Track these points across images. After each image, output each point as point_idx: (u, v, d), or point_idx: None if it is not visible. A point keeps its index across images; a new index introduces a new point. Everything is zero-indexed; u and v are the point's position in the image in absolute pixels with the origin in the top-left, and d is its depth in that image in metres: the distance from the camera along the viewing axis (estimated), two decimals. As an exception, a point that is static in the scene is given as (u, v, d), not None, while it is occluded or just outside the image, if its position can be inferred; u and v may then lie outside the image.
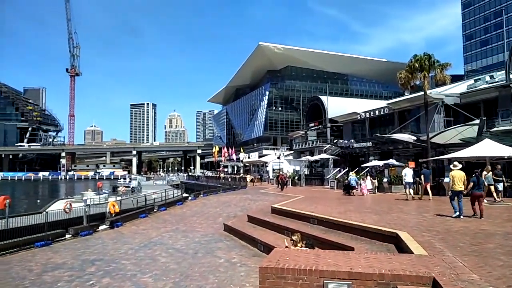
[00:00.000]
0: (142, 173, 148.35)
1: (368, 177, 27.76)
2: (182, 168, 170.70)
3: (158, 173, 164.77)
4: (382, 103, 47.06)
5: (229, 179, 55.25)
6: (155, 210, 23.69)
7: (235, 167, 76.18)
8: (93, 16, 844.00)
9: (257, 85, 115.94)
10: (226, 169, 79.83)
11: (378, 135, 35.89)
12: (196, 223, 18.54)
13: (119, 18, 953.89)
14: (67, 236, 16.14)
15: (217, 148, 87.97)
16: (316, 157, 46.52)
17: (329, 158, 41.35)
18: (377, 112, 43.81)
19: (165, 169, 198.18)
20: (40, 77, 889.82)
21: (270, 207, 16.97)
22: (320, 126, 60.98)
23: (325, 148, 48.61)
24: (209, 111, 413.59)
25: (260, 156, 71.22)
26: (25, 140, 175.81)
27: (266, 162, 60.33)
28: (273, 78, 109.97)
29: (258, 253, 11.60)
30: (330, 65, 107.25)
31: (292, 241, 8.40)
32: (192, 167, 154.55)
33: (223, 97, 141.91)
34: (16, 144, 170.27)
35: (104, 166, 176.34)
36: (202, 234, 15.32)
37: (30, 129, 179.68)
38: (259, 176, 56.16)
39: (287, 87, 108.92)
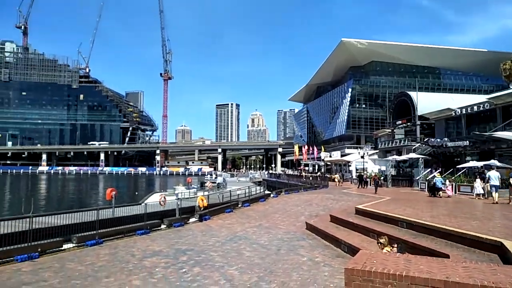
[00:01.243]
0: (226, 170, 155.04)
1: (478, 179, 24.91)
2: (264, 165, 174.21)
3: (241, 170, 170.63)
4: (481, 98, 42.24)
5: (310, 178, 54.83)
6: (239, 205, 24.61)
7: (316, 166, 75.31)
8: (182, 24, 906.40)
9: (339, 82, 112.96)
10: (307, 168, 79.39)
11: (477, 133, 32.48)
12: (279, 220, 18.83)
13: (205, 24, 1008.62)
14: (162, 226, 17.63)
15: (298, 147, 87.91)
16: (404, 157, 43.75)
17: (418, 158, 38.54)
18: (475, 107, 39.51)
19: (247, 166, 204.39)
20: (139, 82, 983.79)
21: (354, 208, 16.48)
22: (408, 123, 57.21)
23: (414, 147, 45.46)
24: (290, 109, 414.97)
25: (342, 155, 69.36)
26: (127, 139, 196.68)
27: (348, 162, 58.54)
28: (356, 74, 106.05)
29: (342, 254, 11.39)
30: (419, 59, 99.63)
31: (379, 244, 8.09)
32: (273, 165, 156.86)
33: (304, 95, 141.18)
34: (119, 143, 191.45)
35: (193, 162, 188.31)
36: (284, 231, 15.53)
37: (130, 129, 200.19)
38: (341, 176, 54.75)
39: (372, 83, 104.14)
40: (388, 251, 7.54)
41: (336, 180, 46.92)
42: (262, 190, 34.69)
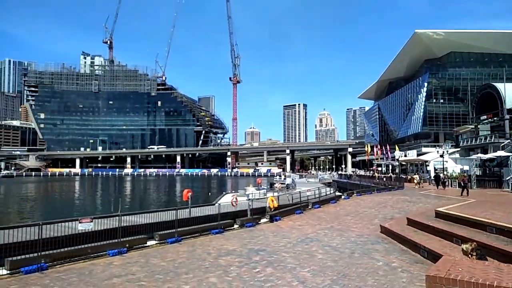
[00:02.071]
0: (295, 171, 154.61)
1: None
2: (333, 166, 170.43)
3: (310, 171, 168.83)
4: None
5: (384, 179, 52.36)
6: (309, 207, 24.42)
7: (390, 166, 71.61)
8: (248, 28, 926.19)
9: (413, 76, 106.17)
10: (379, 168, 75.90)
11: None
12: (351, 222, 18.32)
13: (269, 25, 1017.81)
14: (235, 226, 18.22)
15: (369, 146, 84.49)
16: (491, 155, 39.71)
17: (508, 156, 34.69)
18: None
19: (316, 167, 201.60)
20: (210, 86, 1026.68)
21: (434, 210, 15.40)
22: (495, 118, 51.85)
23: (502, 144, 41.02)
24: (360, 108, 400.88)
25: (418, 154, 65.06)
26: (200, 142, 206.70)
27: (426, 161, 54.75)
28: (432, 67, 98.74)
29: (421, 259, 10.74)
30: (506, 46, 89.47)
31: (463, 250, 7.49)
32: (343, 166, 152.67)
33: (375, 92, 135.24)
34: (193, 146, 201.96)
35: (262, 164, 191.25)
36: (357, 234, 15.08)
37: (203, 132, 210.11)
38: (421, 176, 51.39)
39: (450, 76, 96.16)
40: (468, 258, 6.96)
41: (415, 181, 44.02)
42: (332, 192, 34.00)
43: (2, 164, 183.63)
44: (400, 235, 13.25)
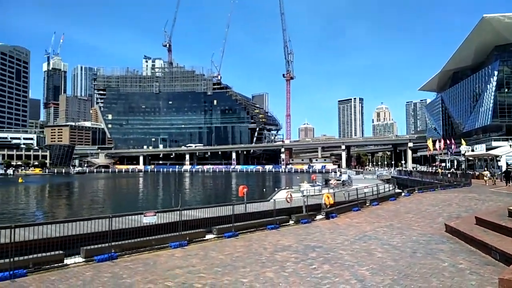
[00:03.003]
0: (351, 167, 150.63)
1: None
2: (392, 162, 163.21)
3: (367, 167, 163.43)
4: None
5: (448, 175, 49.06)
6: (367, 204, 23.69)
7: (455, 162, 66.93)
8: (301, 23, 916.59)
9: (481, 65, 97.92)
10: (443, 164, 71.26)
11: None
12: (412, 220, 17.48)
13: (325, 21, 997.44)
14: (290, 222, 18.24)
15: (432, 141, 79.58)
16: None
17: None
18: None
19: (374, 163, 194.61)
20: (263, 84, 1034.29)
21: (507, 209, 14.16)
22: None
23: None
24: (421, 100, 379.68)
25: (488, 149, 60.06)
26: (254, 139, 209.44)
27: (497, 156, 50.39)
28: (504, 55, 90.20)
29: (493, 261, 9.95)
30: None
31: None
32: (402, 162, 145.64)
33: (437, 83, 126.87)
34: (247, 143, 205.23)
35: (316, 160, 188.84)
36: (419, 233, 14.35)
37: (257, 129, 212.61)
38: (492, 172, 47.44)
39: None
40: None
41: (485, 177, 40.67)
42: (391, 188, 32.61)
43: (76, 162, 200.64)
44: (468, 235, 12.39)
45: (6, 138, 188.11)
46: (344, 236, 14.14)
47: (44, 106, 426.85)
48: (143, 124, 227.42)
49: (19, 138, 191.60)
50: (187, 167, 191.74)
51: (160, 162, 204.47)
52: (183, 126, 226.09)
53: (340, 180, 53.01)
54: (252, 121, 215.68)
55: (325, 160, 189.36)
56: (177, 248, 12.65)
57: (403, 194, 29.62)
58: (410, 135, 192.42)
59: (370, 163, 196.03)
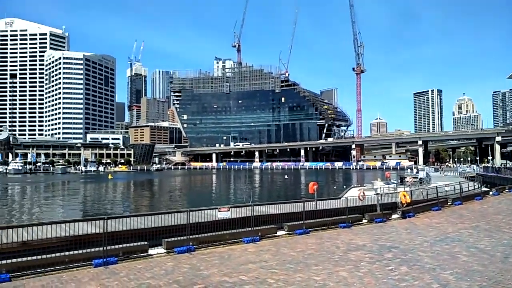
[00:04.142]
0: (429, 164, 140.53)
1: None
2: (477, 158, 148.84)
3: (447, 163, 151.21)
4: None
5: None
6: (448, 203, 22.04)
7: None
8: (374, 15, 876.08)
9: None
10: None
11: None
12: (503, 222, 15.83)
13: (397, 10, 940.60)
14: (363, 221, 17.66)
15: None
16: None
17: None
18: None
19: (455, 159, 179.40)
20: (332, 79, 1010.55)
21: None
22: None
23: None
24: (510, 89, 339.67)
25: None
26: (323, 135, 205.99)
27: None
28: None
29: None
30: None
31: None
32: (489, 157, 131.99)
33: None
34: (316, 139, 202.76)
35: (390, 156, 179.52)
36: (512, 237, 12.95)
37: (326, 125, 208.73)
38: None
39: None
40: None
41: None
42: (477, 187, 29.82)
43: (156, 159, 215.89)
44: None
45: (97, 138, 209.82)
46: (423, 237, 13.31)
47: (128, 108, 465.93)
48: (215, 123, 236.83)
49: (108, 138, 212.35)
50: (256, 164, 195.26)
51: (231, 159, 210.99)
52: (252, 124, 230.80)
53: (417, 177, 50.00)
54: (321, 117, 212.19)
55: (399, 156, 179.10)
56: (249, 243, 13.01)
57: (491, 193, 27.00)
58: (498, 128, 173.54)
59: (451, 159, 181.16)
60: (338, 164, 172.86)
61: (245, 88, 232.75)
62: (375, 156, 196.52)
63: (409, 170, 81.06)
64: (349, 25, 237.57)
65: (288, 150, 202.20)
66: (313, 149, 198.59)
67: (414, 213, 18.71)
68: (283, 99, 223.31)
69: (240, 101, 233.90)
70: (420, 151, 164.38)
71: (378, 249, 11.68)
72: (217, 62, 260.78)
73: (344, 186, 50.80)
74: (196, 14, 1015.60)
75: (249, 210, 15.21)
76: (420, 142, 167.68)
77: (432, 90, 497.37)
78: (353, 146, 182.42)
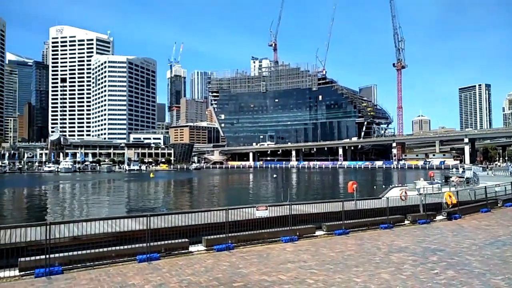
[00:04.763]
0: (476, 163, 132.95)
1: None
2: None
3: (496, 162, 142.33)
4: None
5: None
6: (499, 204, 20.81)
7: None
8: (415, 6, 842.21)
9: None
10: None
11: None
12: (562, 227, 14.68)
13: (440, 2, 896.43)
14: (406, 222, 17.07)
15: None
16: None
17: None
18: None
19: (505, 158, 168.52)
20: (371, 75, 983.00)
21: None
22: None
23: None
24: None
25: None
26: (362, 134, 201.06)
27: None
28: None
29: None
30: None
31: None
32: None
33: None
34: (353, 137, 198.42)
35: (433, 155, 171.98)
36: None
37: (365, 123, 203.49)
38: None
39: None
40: None
41: None
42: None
43: (195, 158, 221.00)
44: None
45: (139, 138, 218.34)
46: (471, 240, 12.64)
47: (168, 109, 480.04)
48: (252, 122, 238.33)
49: (149, 138, 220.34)
50: (293, 163, 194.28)
51: (268, 158, 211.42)
52: (289, 122, 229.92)
53: (463, 177, 47.44)
54: (360, 115, 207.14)
55: (444, 155, 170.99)
56: (288, 243, 12.99)
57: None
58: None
59: (501, 158, 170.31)
60: (378, 163, 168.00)
61: (281, 87, 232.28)
62: (417, 155, 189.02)
63: (454, 170, 77.18)
64: (389, 19, 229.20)
65: (326, 149, 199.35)
66: (352, 147, 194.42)
67: (461, 214, 17.82)
68: (320, 97, 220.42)
69: (276, 100, 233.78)
70: (467, 149, 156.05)
71: (422, 251, 11.25)
72: (254, 62, 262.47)
73: (384, 186, 49.28)
74: (233, 15, 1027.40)
75: (287, 209, 15.17)
76: (466, 140, 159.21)
77: (480, 85, 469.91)
78: (394, 144, 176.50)
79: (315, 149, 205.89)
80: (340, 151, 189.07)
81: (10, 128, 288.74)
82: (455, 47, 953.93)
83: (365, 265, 9.87)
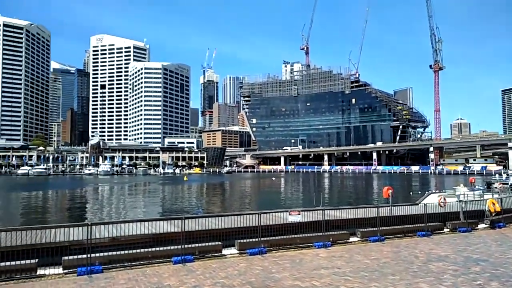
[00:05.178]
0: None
1: None
2: None
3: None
4: None
5: None
6: (549, 214, 19.41)
7: None
8: (453, 6, 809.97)
9: None
10: None
11: None
12: None
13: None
14: (445, 230, 16.38)
15: None
16: None
17: None
18: None
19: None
20: (406, 78, 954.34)
21: None
22: None
23: None
24: None
25: None
26: (397, 138, 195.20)
27: None
28: None
29: None
30: None
31: None
32: None
33: None
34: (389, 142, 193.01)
35: (474, 160, 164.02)
36: None
37: (401, 127, 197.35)
38: None
39: None
40: None
41: None
42: None
43: (227, 162, 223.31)
44: None
45: (174, 142, 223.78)
46: (518, 251, 11.93)
47: (201, 114, 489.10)
48: (283, 126, 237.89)
49: (183, 142, 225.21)
50: (325, 167, 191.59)
51: (300, 162, 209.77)
52: (320, 126, 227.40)
53: (507, 183, 45.02)
54: (395, 118, 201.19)
55: (485, 160, 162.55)
56: (321, 248, 12.83)
57: None
58: None
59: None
60: (414, 168, 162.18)
61: (313, 91, 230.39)
62: (456, 160, 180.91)
63: (497, 175, 73.19)
64: (425, 19, 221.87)
65: (359, 153, 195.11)
66: (386, 152, 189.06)
67: (505, 223, 16.88)
68: (353, 100, 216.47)
69: (308, 104, 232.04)
70: (511, 154, 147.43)
71: (463, 261, 10.75)
72: (285, 66, 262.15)
73: (420, 192, 47.55)
74: (264, 20, 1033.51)
75: (319, 214, 14.99)
76: (510, 144, 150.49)
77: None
78: (431, 149, 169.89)
79: (348, 154, 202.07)
80: (374, 155, 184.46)
81: (54, 133, 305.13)
82: (498, 46, 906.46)
83: (402, 273, 9.57)
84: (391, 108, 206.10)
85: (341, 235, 14.16)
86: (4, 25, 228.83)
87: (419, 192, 48.08)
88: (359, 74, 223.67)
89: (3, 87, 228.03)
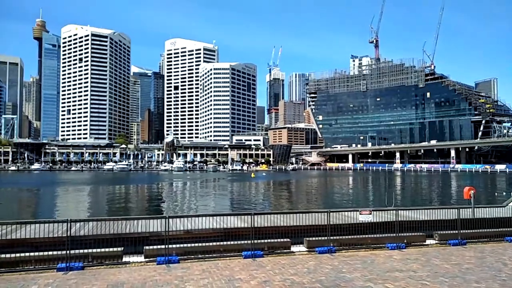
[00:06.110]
0: None
1: None
2: None
3: None
4: None
5: None
6: None
7: None
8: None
9: None
10: None
11: None
12: None
13: None
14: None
15: None
16: None
17: None
18: None
19: None
20: (490, 68, 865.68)
21: None
22: None
23: None
24: None
25: None
26: (479, 133, 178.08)
27: None
28: None
29: None
30: None
31: None
32: None
33: None
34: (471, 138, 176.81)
35: None
36: None
37: (483, 122, 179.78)
38: None
39: None
40: None
41: None
42: None
43: (293, 159, 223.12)
44: None
45: (241, 140, 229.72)
46: None
47: (268, 111, 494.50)
48: (351, 123, 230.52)
49: (250, 140, 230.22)
50: (397, 165, 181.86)
51: (369, 160, 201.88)
52: (392, 122, 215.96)
53: None
54: (476, 112, 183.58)
55: None
56: (394, 250, 12.28)
57: None
58: None
59: None
60: (500, 167, 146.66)
61: (383, 85, 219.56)
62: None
63: None
64: (509, 2, 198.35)
65: (435, 150, 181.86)
66: (467, 149, 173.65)
67: None
68: (428, 94, 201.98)
69: (378, 99, 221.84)
70: None
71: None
72: (353, 60, 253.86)
73: (504, 193, 42.92)
74: (331, 14, 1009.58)
75: (392, 215, 14.33)
76: None
77: None
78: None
79: (422, 151, 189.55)
80: (453, 152, 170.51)
81: (134, 132, 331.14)
82: None
83: (488, 281, 8.78)
84: (472, 102, 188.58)
85: (417, 237, 13.39)
86: (92, 35, 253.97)
87: (504, 194, 43.44)
88: (434, 66, 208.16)
89: (92, 91, 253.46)
